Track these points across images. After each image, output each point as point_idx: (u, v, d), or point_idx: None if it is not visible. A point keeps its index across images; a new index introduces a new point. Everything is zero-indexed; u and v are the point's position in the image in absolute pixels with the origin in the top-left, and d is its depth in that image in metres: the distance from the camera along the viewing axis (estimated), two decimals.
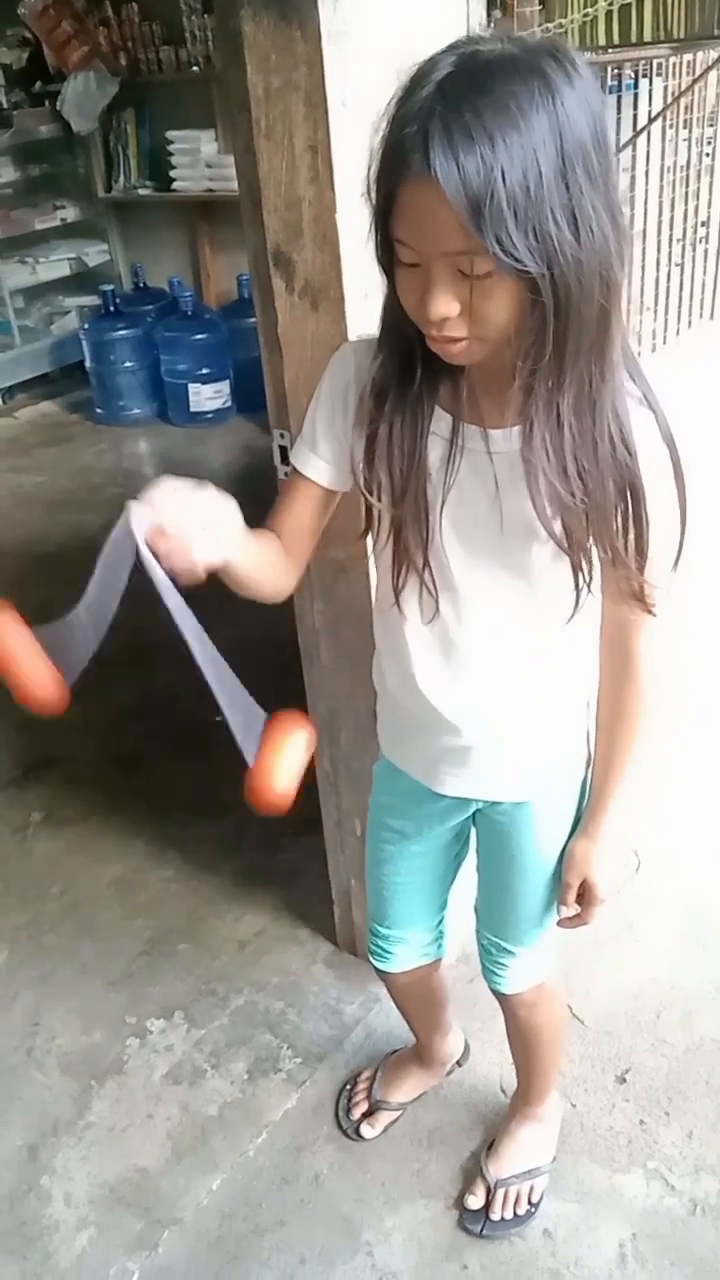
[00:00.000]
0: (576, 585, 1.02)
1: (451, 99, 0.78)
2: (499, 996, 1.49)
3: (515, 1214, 1.59)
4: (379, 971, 1.57)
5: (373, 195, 0.87)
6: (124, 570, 0.85)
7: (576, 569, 1.00)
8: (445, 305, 0.86)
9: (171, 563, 0.85)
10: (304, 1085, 1.84)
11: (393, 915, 1.48)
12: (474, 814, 1.33)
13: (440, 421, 1.02)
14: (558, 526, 0.96)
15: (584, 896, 1.31)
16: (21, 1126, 1.82)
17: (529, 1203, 1.61)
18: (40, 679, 0.86)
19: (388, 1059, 1.82)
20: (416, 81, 0.81)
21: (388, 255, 0.90)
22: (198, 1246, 1.62)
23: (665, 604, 1.07)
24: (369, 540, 1.16)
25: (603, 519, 0.97)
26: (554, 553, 1.01)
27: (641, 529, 0.99)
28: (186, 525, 0.86)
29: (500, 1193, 1.60)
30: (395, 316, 0.96)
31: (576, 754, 1.27)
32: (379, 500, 1.05)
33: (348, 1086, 1.81)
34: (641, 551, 1.00)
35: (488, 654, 1.13)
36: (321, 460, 1.11)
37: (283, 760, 0.90)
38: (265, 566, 1.06)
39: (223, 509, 0.91)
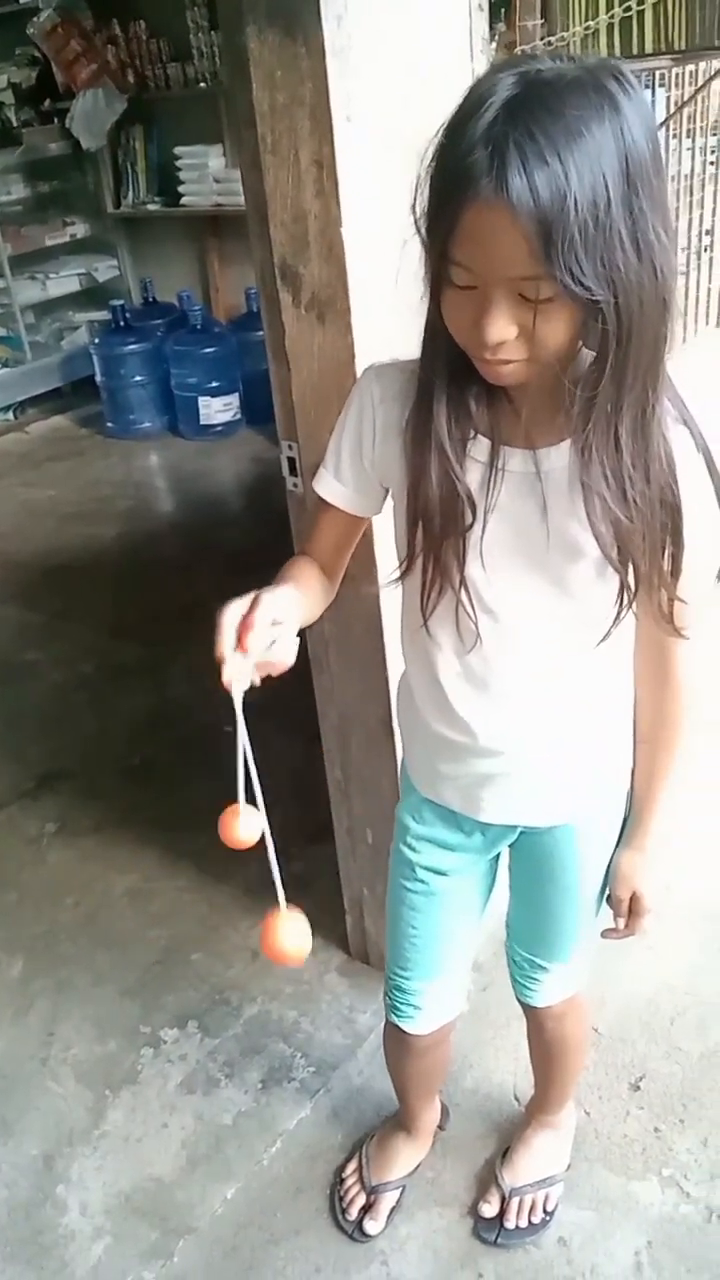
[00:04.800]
0: (621, 603, 1.00)
1: (521, 121, 0.75)
2: (528, 1009, 1.47)
3: (530, 1222, 1.59)
4: (400, 1033, 1.45)
5: (425, 217, 0.85)
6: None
7: (625, 587, 0.99)
8: (503, 329, 0.84)
9: (271, 670, 0.91)
10: (318, 1094, 1.84)
11: (422, 963, 1.38)
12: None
13: (477, 446, 1.00)
14: (613, 549, 0.95)
15: (632, 908, 1.30)
16: (37, 1136, 1.83)
17: (544, 1211, 1.60)
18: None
19: (369, 1143, 1.70)
20: (477, 102, 0.78)
21: (437, 277, 0.88)
22: (213, 1255, 1.62)
23: (699, 623, 1.06)
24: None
25: (653, 537, 0.96)
26: (596, 570, 1.00)
27: (679, 546, 0.98)
28: (273, 654, 0.90)
29: (515, 1201, 1.60)
30: (437, 338, 0.94)
31: (621, 770, 1.24)
32: (415, 530, 1.03)
33: (336, 1185, 1.68)
34: (676, 571, 0.99)
35: (526, 675, 1.10)
36: (346, 488, 1.12)
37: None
38: (314, 605, 1.12)
39: (284, 611, 0.92)
